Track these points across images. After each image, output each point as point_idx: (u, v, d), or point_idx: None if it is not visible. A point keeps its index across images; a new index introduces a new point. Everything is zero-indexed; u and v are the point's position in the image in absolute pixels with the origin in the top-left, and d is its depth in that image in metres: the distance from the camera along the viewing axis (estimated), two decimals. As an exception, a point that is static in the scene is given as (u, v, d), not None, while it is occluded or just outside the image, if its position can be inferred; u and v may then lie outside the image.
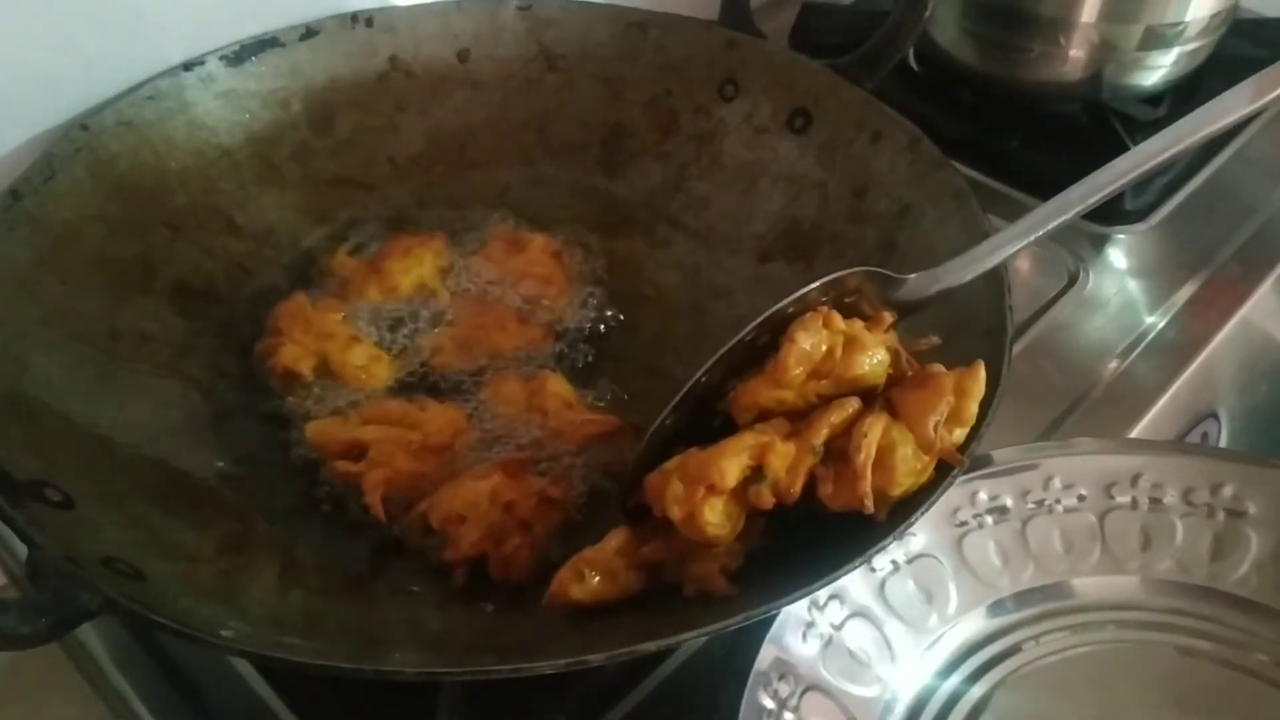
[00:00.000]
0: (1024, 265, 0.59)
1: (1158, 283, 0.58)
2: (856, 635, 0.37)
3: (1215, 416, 0.57)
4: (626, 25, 0.56)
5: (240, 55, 0.52)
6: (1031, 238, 0.38)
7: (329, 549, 0.41)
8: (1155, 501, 0.40)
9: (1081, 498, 0.40)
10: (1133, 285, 0.59)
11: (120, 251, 0.47)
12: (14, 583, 0.44)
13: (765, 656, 0.35)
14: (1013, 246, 0.38)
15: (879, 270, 0.37)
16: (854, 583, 0.38)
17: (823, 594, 0.37)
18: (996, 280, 0.42)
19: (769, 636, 0.35)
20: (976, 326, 0.41)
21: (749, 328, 0.35)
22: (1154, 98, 0.64)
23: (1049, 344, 0.55)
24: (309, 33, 0.53)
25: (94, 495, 0.36)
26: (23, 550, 0.32)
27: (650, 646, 0.31)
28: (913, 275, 0.38)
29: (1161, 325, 0.56)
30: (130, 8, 0.49)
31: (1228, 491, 0.40)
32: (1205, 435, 0.56)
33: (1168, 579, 0.39)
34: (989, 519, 0.40)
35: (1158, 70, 0.62)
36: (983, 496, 0.40)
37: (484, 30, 0.56)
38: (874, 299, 0.37)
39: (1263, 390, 0.62)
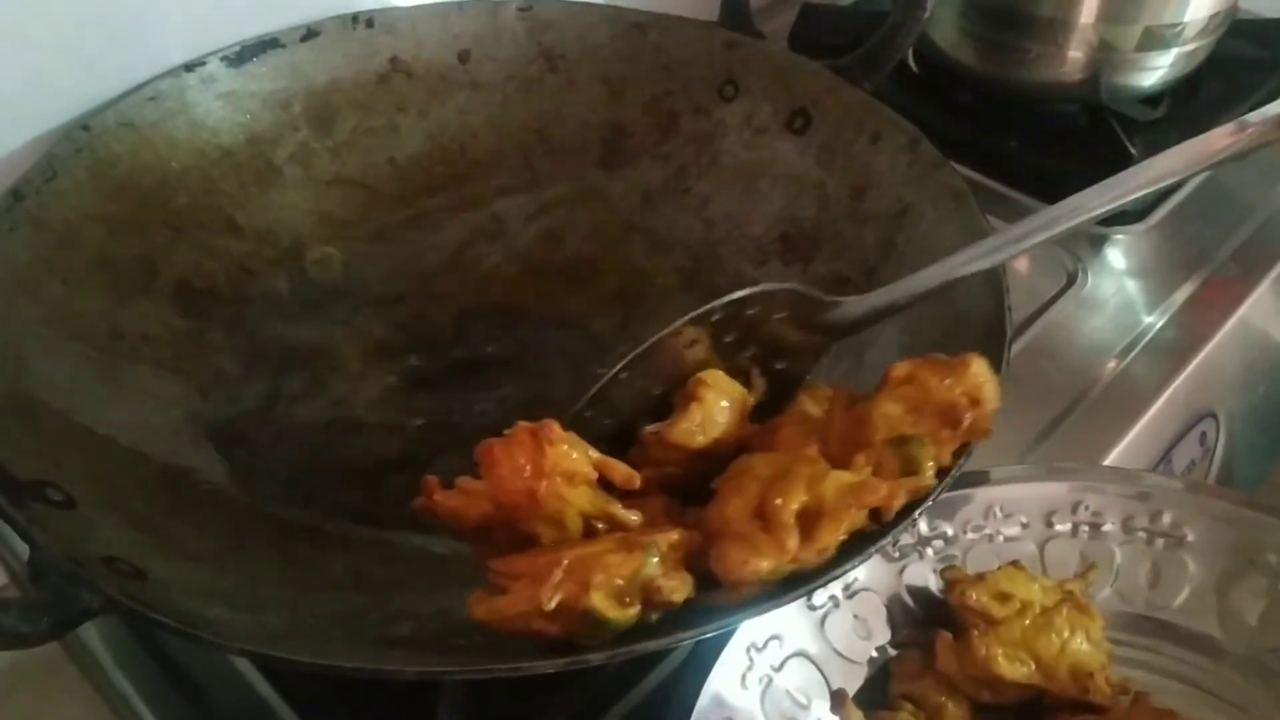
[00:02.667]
0: (1023, 265, 0.60)
1: (1157, 283, 0.58)
2: (795, 676, 0.37)
3: (1214, 416, 0.57)
4: (626, 26, 0.56)
5: (241, 56, 0.52)
6: (978, 266, 0.37)
7: (329, 549, 0.41)
8: (1095, 529, 0.40)
9: (1024, 525, 0.40)
10: (1132, 285, 0.59)
11: (121, 252, 0.47)
12: (15, 582, 0.45)
13: (704, 700, 0.34)
14: (959, 271, 0.38)
15: (804, 291, 0.36)
16: (794, 622, 0.37)
17: (762, 635, 0.36)
18: (995, 280, 0.42)
19: (708, 681, 0.35)
20: (976, 326, 0.41)
21: (647, 343, 0.35)
22: (1153, 98, 0.64)
23: (1048, 344, 0.55)
24: (310, 34, 0.53)
25: (95, 495, 0.36)
26: (24, 550, 0.32)
27: (650, 646, 0.31)
28: (846, 300, 0.37)
29: (1161, 325, 0.56)
30: (131, 8, 0.49)
31: (1166, 519, 0.39)
32: (1204, 435, 0.56)
33: (1106, 608, 0.39)
34: (929, 550, 0.40)
35: (1156, 71, 0.62)
36: (923, 527, 0.40)
37: (484, 31, 0.56)
38: (803, 321, 0.37)
39: (1262, 390, 0.62)
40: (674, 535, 0.32)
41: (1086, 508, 0.40)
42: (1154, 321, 0.56)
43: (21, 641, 0.30)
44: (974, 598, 0.37)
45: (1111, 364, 0.54)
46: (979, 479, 0.41)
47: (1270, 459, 0.65)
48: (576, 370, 0.49)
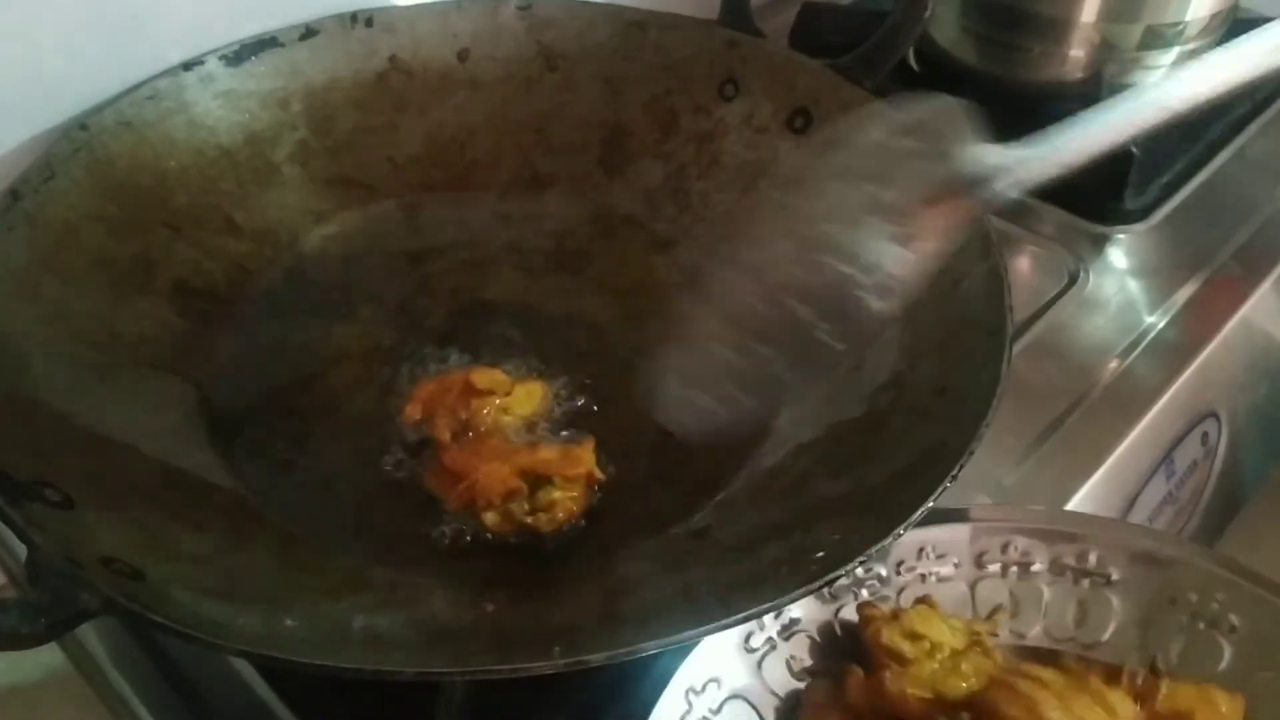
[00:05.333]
0: (1024, 265, 0.59)
1: (1158, 283, 0.58)
2: (733, 718, 0.37)
3: (1215, 416, 0.57)
4: (626, 25, 0.56)
5: (240, 55, 0.52)
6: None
7: (328, 549, 0.41)
8: (1024, 568, 0.41)
9: (956, 565, 0.41)
10: (1133, 285, 0.58)
11: (120, 251, 0.47)
12: (14, 583, 0.44)
13: None
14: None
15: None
16: (732, 664, 0.38)
17: (700, 678, 0.37)
18: (996, 280, 0.42)
19: None
20: (976, 326, 0.41)
21: None
22: (1154, 97, 0.64)
23: (1049, 344, 0.54)
24: (308, 32, 0.53)
25: (94, 495, 0.36)
26: (23, 550, 0.32)
27: (650, 647, 0.31)
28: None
29: (1161, 325, 0.56)
30: (130, 8, 0.49)
31: (1092, 559, 0.40)
32: (1206, 435, 0.56)
33: (1034, 645, 0.40)
34: (864, 591, 0.40)
35: (1158, 70, 0.62)
36: (858, 570, 0.40)
37: (484, 30, 0.56)
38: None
39: (1263, 390, 0.61)
40: None
41: (1015, 548, 0.41)
42: (1155, 321, 0.56)
43: (20, 642, 0.30)
44: (887, 636, 0.37)
45: (1113, 364, 0.54)
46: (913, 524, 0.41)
47: (1272, 459, 0.65)
48: (577, 369, 0.49)
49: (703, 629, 0.32)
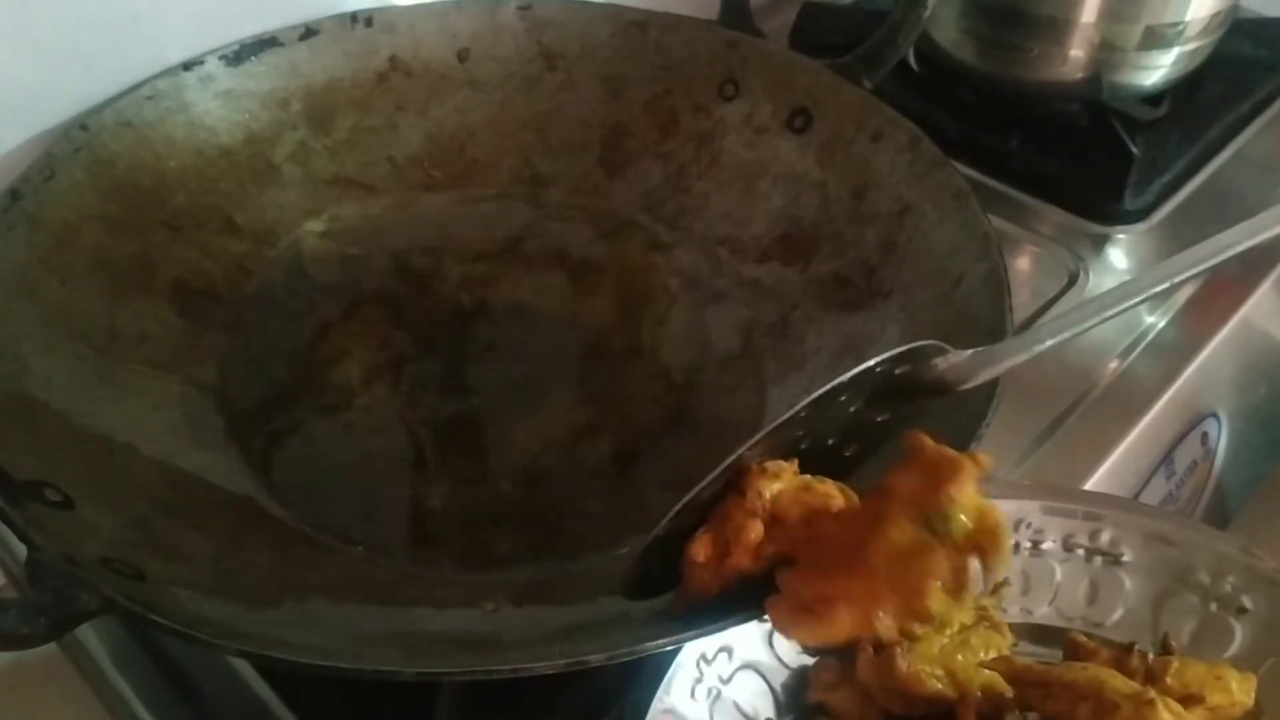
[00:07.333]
0: (1024, 265, 0.59)
1: (1158, 282, 0.58)
2: (743, 688, 0.37)
3: (1215, 416, 0.57)
4: (626, 25, 0.56)
5: (240, 55, 0.52)
6: (1088, 324, 0.36)
7: (328, 549, 0.41)
8: (1036, 546, 0.40)
9: None
10: (1133, 285, 0.58)
11: (120, 251, 0.47)
12: (13, 583, 0.44)
13: (655, 713, 0.34)
14: (1072, 330, 0.36)
15: (941, 344, 0.35)
16: (744, 635, 0.37)
17: (712, 647, 0.37)
18: (996, 280, 0.42)
19: (659, 693, 0.35)
20: (976, 326, 0.41)
21: (801, 404, 0.32)
22: (1154, 97, 0.64)
23: (1049, 344, 0.54)
24: (308, 32, 0.53)
25: (93, 495, 0.36)
26: (22, 550, 0.32)
27: (650, 647, 0.31)
28: (969, 351, 0.35)
29: (1161, 325, 0.56)
30: (130, 8, 0.49)
31: (1105, 538, 0.40)
32: (1206, 435, 0.56)
33: (1045, 623, 0.40)
34: None
35: (1158, 70, 0.62)
36: None
37: (484, 30, 0.56)
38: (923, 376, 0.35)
39: (1263, 390, 0.62)
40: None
41: (1029, 525, 0.40)
42: (1155, 321, 0.56)
43: (20, 642, 0.30)
44: None
45: (1113, 364, 0.54)
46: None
47: (1271, 459, 0.65)
48: (577, 368, 0.49)
49: (700, 630, 0.32)
